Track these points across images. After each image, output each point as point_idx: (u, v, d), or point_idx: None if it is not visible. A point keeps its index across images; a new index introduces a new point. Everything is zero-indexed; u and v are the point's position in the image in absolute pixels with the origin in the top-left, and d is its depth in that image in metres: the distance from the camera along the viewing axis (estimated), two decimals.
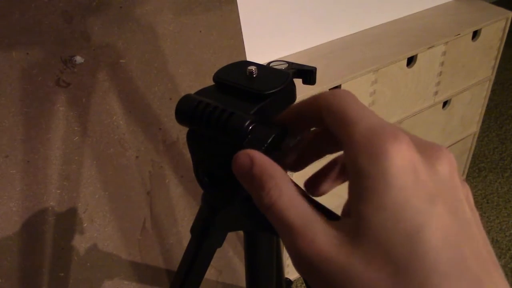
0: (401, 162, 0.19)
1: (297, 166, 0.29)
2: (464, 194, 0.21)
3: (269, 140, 0.26)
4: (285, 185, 0.21)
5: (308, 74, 0.34)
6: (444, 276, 0.17)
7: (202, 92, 0.31)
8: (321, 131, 0.27)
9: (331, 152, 0.27)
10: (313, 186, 0.29)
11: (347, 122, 0.21)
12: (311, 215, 0.20)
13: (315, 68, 0.34)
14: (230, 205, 0.38)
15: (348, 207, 0.20)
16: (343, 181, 0.28)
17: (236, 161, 0.23)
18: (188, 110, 0.29)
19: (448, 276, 0.17)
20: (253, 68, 0.30)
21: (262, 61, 0.35)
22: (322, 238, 0.19)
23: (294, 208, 0.20)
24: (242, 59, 0.92)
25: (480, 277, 0.18)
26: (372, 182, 0.19)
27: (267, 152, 0.25)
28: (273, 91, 0.29)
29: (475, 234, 0.20)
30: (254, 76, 0.30)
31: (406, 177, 0.19)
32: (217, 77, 0.31)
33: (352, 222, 0.19)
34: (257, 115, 0.28)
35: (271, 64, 0.34)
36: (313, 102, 0.24)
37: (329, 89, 0.99)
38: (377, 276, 0.18)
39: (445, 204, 0.19)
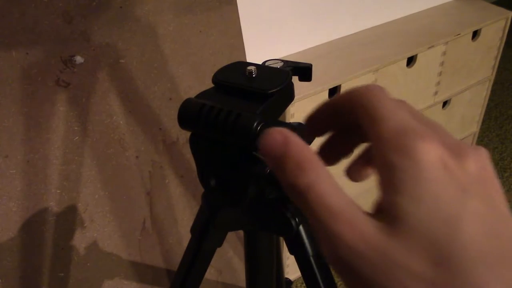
0: (430, 157, 0.19)
1: (327, 162, 0.28)
2: (495, 188, 0.21)
3: None
4: (323, 169, 0.21)
5: (305, 71, 0.34)
6: (489, 266, 0.17)
7: (203, 95, 0.30)
8: (350, 127, 0.26)
9: (359, 144, 0.27)
10: (353, 170, 0.28)
11: (377, 118, 0.21)
12: (351, 202, 0.20)
13: (311, 65, 0.34)
14: (238, 206, 0.38)
15: (380, 204, 0.20)
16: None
17: (268, 138, 0.21)
18: (191, 114, 0.28)
19: (492, 266, 0.17)
20: (252, 68, 0.30)
21: (262, 61, 0.34)
22: (364, 224, 0.19)
23: (335, 192, 0.20)
24: (242, 59, 0.92)
25: None
26: (404, 174, 0.19)
27: None
28: (276, 89, 0.29)
29: (509, 229, 0.19)
30: (254, 76, 0.30)
31: (437, 171, 0.19)
32: (217, 78, 0.31)
33: (388, 214, 0.19)
34: (263, 115, 0.28)
35: (266, 63, 0.33)
36: (347, 97, 0.24)
37: (329, 89, 0.99)
38: (419, 264, 0.18)
39: (479, 195, 0.19)
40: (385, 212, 0.19)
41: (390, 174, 0.19)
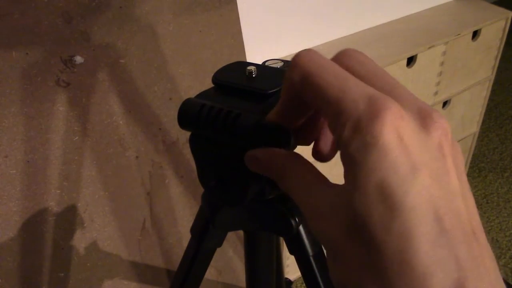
0: (386, 137, 0.19)
1: (305, 141, 0.29)
2: (453, 162, 0.21)
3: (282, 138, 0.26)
4: (295, 167, 0.24)
5: None
6: (418, 252, 0.18)
7: (202, 95, 0.30)
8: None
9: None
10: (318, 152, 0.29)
11: (328, 102, 0.21)
12: (318, 191, 0.22)
13: None
14: (238, 206, 0.38)
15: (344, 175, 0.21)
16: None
17: (247, 161, 0.26)
18: (191, 114, 0.28)
19: (422, 252, 0.18)
20: (252, 68, 0.30)
21: (262, 61, 0.34)
22: (324, 222, 0.21)
23: (304, 194, 0.23)
24: (242, 59, 0.92)
25: (459, 249, 0.18)
26: (354, 165, 0.19)
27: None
28: (276, 89, 0.29)
29: (459, 206, 0.20)
30: (254, 76, 0.30)
31: (388, 154, 0.19)
32: (217, 79, 0.31)
33: (341, 196, 0.20)
34: (263, 115, 0.28)
35: (266, 63, 0.33)
36: (288, 83, 0.23)
37: None
38: (358, 253, 0.19)
39: (431, 172, 0.19)
40: (340, 189, 0.21)
41: (346, 155, 0.20)
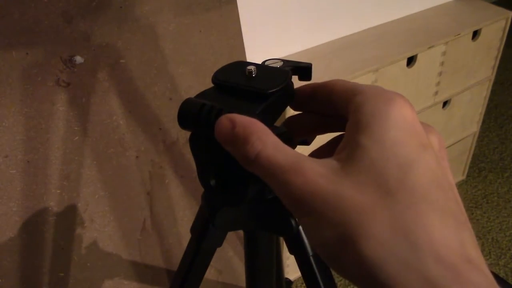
0: (404, 111, 0.21)
1: (301, 135, 0.31)
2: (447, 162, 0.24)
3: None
4: (268, 136, 0.23)
5: (304, 71, 0.34)
6: (431, 206, 0.19)
7: (202, 95, 0.30)
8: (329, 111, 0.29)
9: (334, 130, 0.29)
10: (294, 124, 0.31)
11: (355, 90, 0.23)
12: (299, 155, 0.22)
13: (311, 64, 0.34)
14: (238, 205, 0.38)
15: (343, 144, 0.22)
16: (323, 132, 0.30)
17: (218, 125, 0.24)
18: (191, 114, 0.29)
19: (434, 207, 0.19)
20: (252, 68, 0.30)
21: (262, 61, 0.34)
22: (313, 170, 0.21)
23: (280, 152, 0.22)
24: (242, 59, 0.92)
25: (459, 217, 0.20)
26: (375, 119, 0.21)
27: None
28: (276, 89, 0.29)
29: (453, 185, 0.22)
30: (254, 75, 0.30)
31: (406, 124, 0.21)
32: (216, 78, 0.31)
33: (348, 152, 0.21)
34: (262, 115, 0.28)
35: (266, 63, 0.33)
36: (325, 84, 0.27)
37: None
38: (367, 198, 0.20)
39: (433, 155, 0.21)
40: (346, 150, 0.21)
41: (359, 116, 0.21)
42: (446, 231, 0.19)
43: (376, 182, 0.20)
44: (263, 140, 0.23)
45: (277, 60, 0.34)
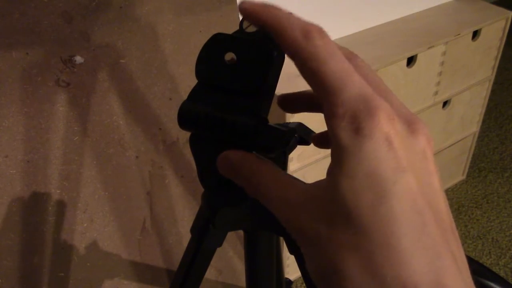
0: (378, 134, 0.20)
1: (288, 108, 0.31)
2: (435, 166, 0.23)
3: (281, 141, 0.26)
4: (262, 170, 0.24)
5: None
6: (403, 238, 0.19)
7: (194, 96, 0.30)
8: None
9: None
10: (287, 102, 0.31)
11: (328, 90, 0.22)
12: (289, 187, 0.23)
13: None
14: (238, 205, 0.38)
15: (329, 168, 0.22)
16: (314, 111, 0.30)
17: (218, 164, 0.27)
18: (190, 120, 0.29)
19: (406, 238, 0.19)
20: (232, 55, 0.29)
21: (239, 22, 0.29)
22: (298, 205, 0.22)
23: (274, 185, 0.23)
24: None
25: (438, 242, 0.20)
26: (348, 151, 0.21)
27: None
28: (263, 82, 0.28)
29: (440, 205, 0.21)
30: (236, 64, 0.29)
31: (380, 149, 0.20)
32: (200, 76, 0.30)
33: (327, 185, 0.21)
34: (261, 113, 0.28)
35: (244, 25, 0.29)
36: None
37: None
38: (341, 236, 0.20)
39: (414, 173, 0.21)
40: (328, 178, 0.22)
41: (338, 151, 0.21)
42: (419, 266, 0.19)
43: (348, 219, 0.20)
44: (258, 176, 0.24)
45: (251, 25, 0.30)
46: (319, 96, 0.22)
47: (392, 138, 0.21)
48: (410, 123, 0.22)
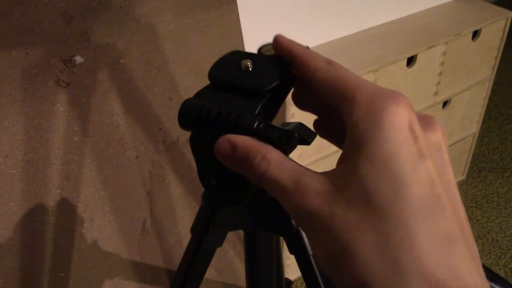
0: (400, 119, 0.21)
1: (299, 102, 0.31)
2: (449, 159, 0.23)
3: (281, 141, 0.26)
4: (270, 154, 0.24)
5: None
6: (422, 223, 0.19)
7: (201, 94, 0.30)
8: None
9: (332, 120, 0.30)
10: (300, 98, 0.31)
11: (347, 87, 0.23)
12: (300, 171, 0.23)
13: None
14: (238, 205, 0.38)
15: (342, 158, 0.22)
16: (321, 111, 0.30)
17: (218, 148, 0.25)
18: (191, 115, 0.29)
19: (425, 222, 0.19)
20: (248, 62, 0.30)
21: (258, 47, 0.34)
22: (311, 189, 0.22)
23: (283, 170, 0.23)
24: None
25: (454, 229, 0.20)
26: (368, 134, 0.21)
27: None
28: (272, 86, 0.29)
29: (456, 195, 0.22)
30: (250, 69, 0.30)
31: (401, 132, 0.21)
32: (212, 76, 0.31)
33: (343, 169, 0.21)
34: (261, 113, 0.28)
35: (262, 50, 0.33)
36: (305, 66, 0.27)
37: None
38: (357, 217, 0.20)
39: (433, 162, 0.21)
40: (343, 165, 0.22)
41: (354, 134, 0.21)
42: (435, 249, 0.19)
43: (366, 201, 0.20)
44: (267, 159, 0.24)
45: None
46: (338, 98, 0.23)
47: (414, 124, 0.21)
48: (424, 118, 0.23)
